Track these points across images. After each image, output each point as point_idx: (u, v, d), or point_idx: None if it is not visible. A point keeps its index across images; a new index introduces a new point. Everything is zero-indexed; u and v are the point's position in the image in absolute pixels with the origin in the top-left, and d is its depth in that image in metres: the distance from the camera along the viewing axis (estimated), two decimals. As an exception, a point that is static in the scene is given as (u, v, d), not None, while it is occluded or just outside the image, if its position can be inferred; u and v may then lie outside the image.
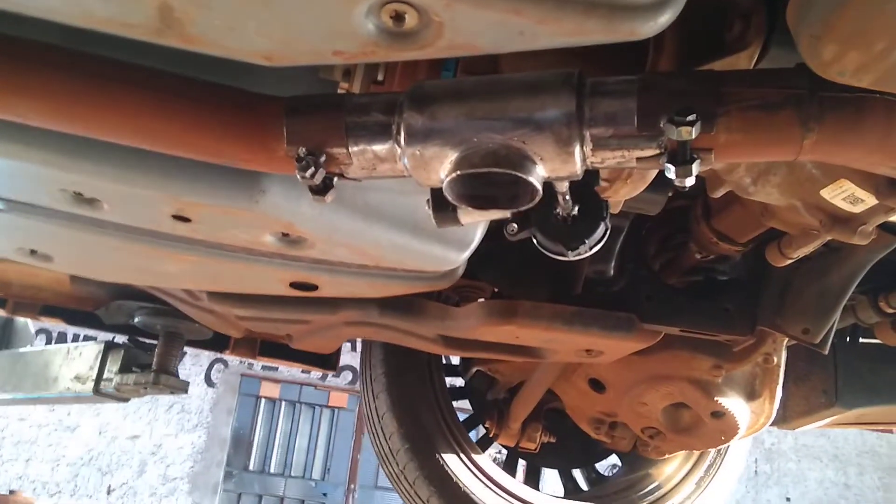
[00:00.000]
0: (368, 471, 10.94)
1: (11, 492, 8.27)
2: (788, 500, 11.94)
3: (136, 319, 1.83)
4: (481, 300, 1.42)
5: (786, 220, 1.17)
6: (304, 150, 0.86)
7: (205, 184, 1.07)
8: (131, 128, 0.88)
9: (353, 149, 0.86)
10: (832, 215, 1.05)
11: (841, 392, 1.94)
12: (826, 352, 1.45)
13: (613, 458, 2.26)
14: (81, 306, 1.87)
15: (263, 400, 10.92)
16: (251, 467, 10.79)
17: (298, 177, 0.86)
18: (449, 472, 1.78)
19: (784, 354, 1.59)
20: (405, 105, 0.83)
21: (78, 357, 1.92)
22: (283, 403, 11.00)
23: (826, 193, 1.02)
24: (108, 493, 9.83)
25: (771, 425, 2.07)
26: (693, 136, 0.75)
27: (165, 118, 0.85)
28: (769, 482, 11.92)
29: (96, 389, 1.84)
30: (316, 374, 10.60)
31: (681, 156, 0.77)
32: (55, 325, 8.84)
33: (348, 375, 10.75)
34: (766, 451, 11.89)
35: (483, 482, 1.81)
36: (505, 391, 2.02)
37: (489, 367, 1.96)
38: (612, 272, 1.44)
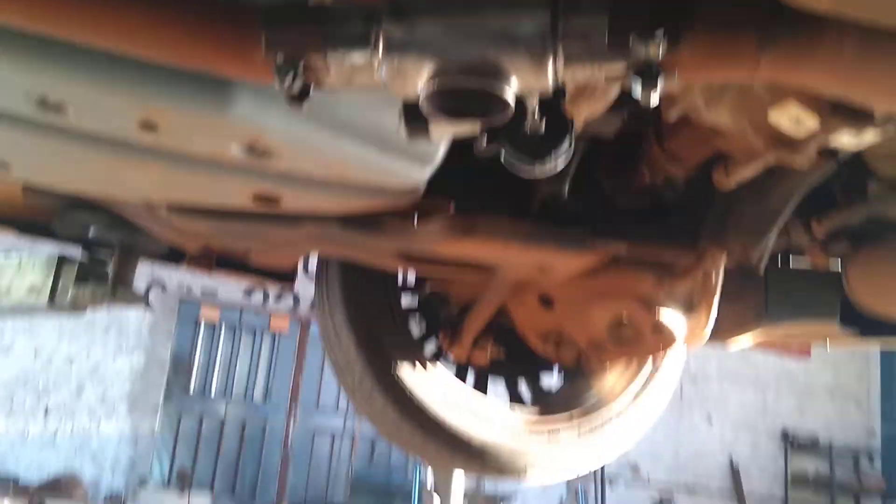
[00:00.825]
0: (310, 394, 11.10)
1: (-57, 412, 8.17)
2: (710, 420, 12.62)
3: (91, 232, 1.82)
4: (441, 217, 1.46)
5: (733, 142, 1.24)
6: (281, 57, 0.88)
7: (175, 90, 1.07)
8: (106, 28, 0.88)
9: (331, 58, 0.88)
10: (777, 138, 1.13)
11: (770, 310, 2.07)
12: (761, 271, 1.56)
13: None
14: (34, 217, 1.85)
15: (203, 323, 10.88)
16: (192, 390, 10.82)
17: (276, 84, 0.88)
18: (403, 382, 1.86)
19: (721, 273, 1.69)
20: (384, 15, 0.86)
21: (31, 269, 1.91)
22: (224, 327, 10.99)
23: (773, 115, 1.09)
24: (46, 413, 9.75)
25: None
26: (660, 53, 0.80)
27: (140, 19, 0.86)
28: (693, 404, 12.55)
29: (51, 301, 1.84)
30: (257, 299, 10.59)
31: (647, 73, 0.82)
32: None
33: (290, 301, 10.78)
34: (691, 376, 12.48)
35: (434, 390, 1.90)
36: (457, 309, 2.10)
37: (443, 284, 2.03)
38: (565, 193, 1.50)
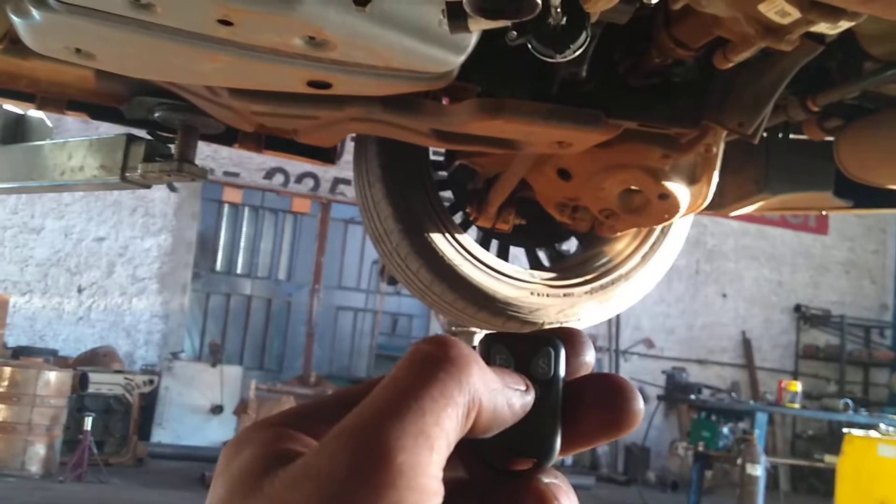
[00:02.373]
0: (331, 273, 11.51)
1: (-13, 291, 8.64)
2: (725, 295, 12.97)
3: (157, 114, 2.03)
4: (471, 98, 1.66)
5: (730, 30, 1.42)
6: None
7: (251, -9, 1.26)
8: None
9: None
10: (766, 25, 1.31)
11: (770, 181, 2.28)
12: (756, 141, 1.76)
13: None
14: (104, 102, 2.06)
15: (227, 205, 11.18)
16: (218, 268, 11.26)
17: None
18: (436, 247, 2.10)
19: (722, 146, 1.89)
20: None
21: (101, 148, 2.13)
22: (247, 209, 11.29)
23: (762, 7, 1.27)
24: (79, 291, 10.23)
25: (709, 210, 2.43)
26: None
27: None
28: (708, 280, 12.88)
29: (123, 177, 2.07)
30: (278, 179, 10.82)
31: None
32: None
33: (310, 182, 11.00)
34: (707, 252, 12.75)
35: (463, 255, 2.14)
36: (483, 182, 2.31)
37: (471, 160, 2.24)
38: (583, 74, 1.69)
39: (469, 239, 2.20)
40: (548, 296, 2.19)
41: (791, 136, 2.26)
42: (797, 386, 8.37)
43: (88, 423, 7.09)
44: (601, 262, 2.33)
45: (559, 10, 1.13)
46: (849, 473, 6.05)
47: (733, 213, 2.41)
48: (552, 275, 2.30)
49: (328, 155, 2.22)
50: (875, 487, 5.79)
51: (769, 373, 12.69)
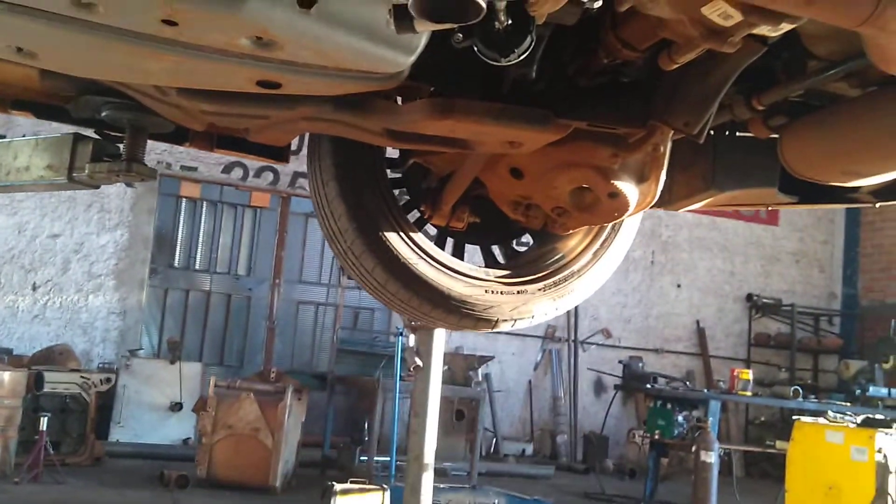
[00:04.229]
0: (292, 267, 11.42)
1: (-65, 290, 8.41)
2: (679, 286, 13.19)
3: (104, 113, 2.00)
4: (422, 99, 1.66)
5: (674, 31, 1.44)
6: None
7: (195, -9, 1.25)
8: None
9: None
10: (709, 28, 1.34)
11: (717, 178, 2.32)
12: (702, 141, 1.79)
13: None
14: (50, 101, 2.02)
15: (184, 200, 11.02)
16: (176, 264, 11.09)
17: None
18: (390, 246, 2.11)
19: (669, 145, 1.92)
20: None
21: (48, 148, 2.10)
22: (205, 203, 11.13)
23: (705, 10, 1.29)
24: (34, 289, 10.01)
25: (659, 207, 2.47)
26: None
27: None
28: (664, 271, 13.08)
29: (70, 177, 2.04)
30: (237, 174, 10.70)
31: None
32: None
33: (269, 176, 10.90)
34: (662, 244, 12.95)
35: (418, 254, 2.15)
36: (437, 180, 2.32)
37: (424, 158, 2.24)
38: (533, 75, 1.70)
39: (423, 237, 2.21)
40: (502, 293, 2.22)
41: (738, 133, 2.30)
42: (749, 374, 8.56)
43: (44, 423, 6.96)
44: (554, 259, 2.36)
45: (504, 14, 1.14)
46: (798, 459, 6.20)
47: (682, 209, 2.45)
48: (506, 272, 2.32)
49: (282, 153, 2.21)
50: (824, 473, 5.94)
51: (723, 361, 12.96)
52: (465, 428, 8.95)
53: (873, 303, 13.23)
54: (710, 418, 8.06)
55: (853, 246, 13.75)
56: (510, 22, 1.17)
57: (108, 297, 10.43)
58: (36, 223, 9.98)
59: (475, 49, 1.19)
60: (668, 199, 2.45)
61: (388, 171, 2.27)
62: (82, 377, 8.09)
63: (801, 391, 8.68)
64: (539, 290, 2.28)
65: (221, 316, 11.30)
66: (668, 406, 8.52)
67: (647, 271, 13.07)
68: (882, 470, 5.67)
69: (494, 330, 2.28)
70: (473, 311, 2.20)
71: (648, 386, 9.11)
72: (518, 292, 2.24)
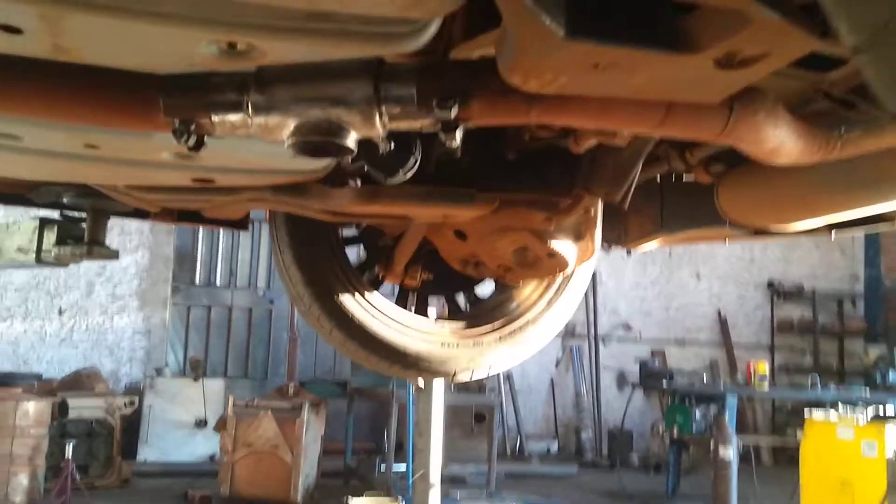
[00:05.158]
0: (310, 277, 11.56)
1: (-37, 320, 8.66)
2: (699, 276, 13.13)
3: (65, 199, 2.11)
4: (351, 186, 1.75)
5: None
6: (177, 121, 1.15)
7: (106, 131, 1.34)
8: (53, 111, 1.14)
9: (215, 119, 1.15)
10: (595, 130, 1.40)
11: (666, 220, 2.38)
12: (626, 206, 1.85)
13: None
14: (14, 190, 2.13)
15: (201, 218, 11.20)
16: (197, 281, 11.30)
17: (175, 140, 1.16)
18: (345, 309, 2.20)
19: (601, 206, 1.98)
20: (251, 86, 1.12)
21: (17, 231, 2.21)
22: (222, 220, 11.30)
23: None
24: (60, 313, 10.26)
25: (616, 246, 2.53)
26: (453, 116, 1.07)
27: (73, 104, 1.12)
28: (682, 263, 13.03)
29: (38, 259, 2.15)
30: (249, 190, 10.85)
31: (446, 125, 1.10)
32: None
33: (281, 189, 11.04)
34: (677, 237, 12.88)
35: (372, 314, 2.24)
36: (391, 239, 2.40)
37: (376, 221, 2.32)
38: (458, 154, 1.77)
39: (378, 296, 2.29)
40: (458, 346, 2.29)
41: (684, 178, 2.35)
42: (765, 367, 8.52)
43: (69, 450, 7.17)
44: (510, 308, 2.43)
45: (385, 141, 1.22)
46: (811, 455, 6.20)
47: (637, 249, 2.51)
48: (462, 323, 2.40)
49: (241, 223, 2.30)
50: (835, 469, 5.94)
51: (746, 349, 12.87)
52: (486, 430, 9.03)
53: (897, 282, 13.06)
54: (728, 413, 8.05)
55: (874, 227, 13.54)
56: (392, 146, 1.24)
57: (133, 318, 10.67)
58: (57, 249, 10.19)
59: (365, 169, 1.27)
60: (623, 240, 2.52)
61: (346, 229, 2.36)
62: (107, 401, 8.29)
63: (819, 380, 8.63)
64: (495, 340, 2.35)
65: (244, 330, 11.49)
66: (686, 402, 8.52)
67: (666, 263, 13.03)
68: (893, 465, 5.66)
69: (455, 380, 2.36)
70: (430, 365, 2.28)
71: (664, 383, 9.11)
72: (474, 344, 2.32)
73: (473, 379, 2.39)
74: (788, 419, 12.09)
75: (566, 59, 0.88)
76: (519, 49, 0.89)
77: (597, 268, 12.48)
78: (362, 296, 2.22)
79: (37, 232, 2.16)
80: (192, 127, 1.15)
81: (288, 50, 0.99)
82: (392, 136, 1.24)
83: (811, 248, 13.54)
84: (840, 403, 6.54)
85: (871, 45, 0.40)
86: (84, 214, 2.20)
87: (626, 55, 0.86)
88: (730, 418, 7.97)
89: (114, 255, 2.12)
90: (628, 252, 2.50)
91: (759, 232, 2.54)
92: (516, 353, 2.41)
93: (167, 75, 1.14)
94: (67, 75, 1.12)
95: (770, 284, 13.27)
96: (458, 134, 1.10)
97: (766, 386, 8.42)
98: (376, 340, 2.21)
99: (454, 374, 2.31)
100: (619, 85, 0.98)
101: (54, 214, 2.24)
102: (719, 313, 13.09)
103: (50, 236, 2.15)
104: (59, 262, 2.16)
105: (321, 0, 0.83)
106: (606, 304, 12.61)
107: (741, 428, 9.97)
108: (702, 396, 8.50)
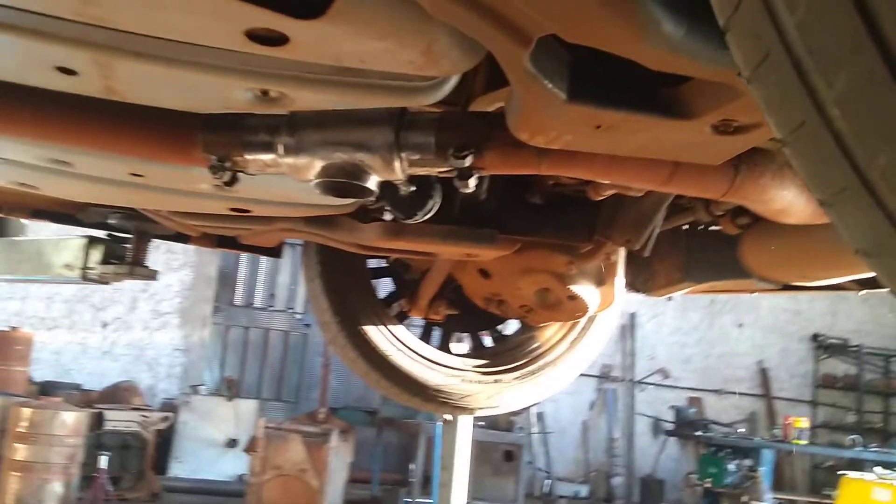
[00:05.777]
0: (347, 304, 11.67)
1: (12, 328, 8.95)
2: (741, 325, 12.90)
3: (111, 220, 2.23)
4: (378, 222, 1.83)
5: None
6: (214, 157, 1.24)
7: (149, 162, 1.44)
8: (101, 143, 1.25)
9: (248, 158, 1.24)
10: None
11: (690, 270, 2.40)
12: (647, 254, 1.89)
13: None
14: (64, 210, 2.26)
15: (245, 241, 11.41)
16: (237, 302, 11.50)
17: (211, 176, 1.25)
18: (370, 339, 2.27)
19: (623, 253, 2.02)
20: (283, 129, 1.21)
21: (66, 248, 2.33)
22: (265, 243, 11.50)
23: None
24: (104, 326, 10.52)
25: (640, 292, 2.56)
26: (467, 164, 1.14)
27: (120, 137, 1.22)
28: (724, 310, 12.82)
29: (83, 276, 2.27)
30: (293, 216, 11.04)
31: (462, 173, 1.17)
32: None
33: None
34: (718, 284, 12.70)
35: (396, 346, 2.30)
36: (418, 273, 2.47)
37: (404, 255, 2.40)
38: (484, 195, 1.84)
39: (403, 329, 2.36)
40: (478, 382, 2.34)
41: (711, 228, 2.38)
42: (802, 422, 8.36)
43: (103, 462, 7.32)
44: (531, 348, 2.47)
45: (405, 184, 1.29)
46: (845, 517, 6.05)
47: (663, 297, 2.53)
48: (484, 361, 2.45)
49: (275, 251, 2.40)
50: (869, 532, 5.79)
51: (787, 403, 12.56)
52: (515, 469, 8.97)
53: (946, 344, 12.67)
54: (762, 468, 7.91)
55: (925, 284, 13.19)
56: (413, 189, 1.31)
57: (173, 335, 10.88)
58: (106, 264, 10.46)
59: (386, 209, 1.34)
60: (649, 287, 2.54)
61: (376, 261, 2.44)
62: (142, 416, 8.46)
63: (859, 440, 8.43)
64: (515, 378, 2.39)
65: (280, 352, 11.63)
66: (720, 454, 8.39)
67: (707, 310, 12.84)
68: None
69: (473, 415, 2.40)
70: (450, 399, 2.33)
71: (698, 433, 8.97)
72: (494, 381, 2.36)
73: (492, 415, 2.43)
74: (828, 478, 11.77)
75: (569, 119, 0.95)
76: (525, 109, 0.96)
77: (636, 311, 12.41)
78: (387, 328, 2.29)
79: (83, 250, 2.28)
80: (228, 164, 1.23)
81: (316, 99, 1.08)
82: (413, 179, 1.31)
83: (859, 303, 13.20)
84: (877, 469, 6.40)
85: (793, 141, 0.45)
86: (128, 235, 2.31)
87: (625, 119, 0.93)
88: (765, 473, 7.82)
89: (153, 275, 2.22)
90: (669, 297, 2.52)
91: (788, 286, 2.54)
92: (536, 392, 2.45)
93: (206, 115, 1.24)
94: (115, 112, 1.22)
95: (815, 337, 12.95)
96: (472, 181, 1.16)
97: (804, 441, 8.25)
98: (398, 372, 2.28)
99: (472, 410, 2.36)
100: (623, 144, 1.04)
101: (101, 234, 2.36)
102: (760, 364, 12.81)
103: (95, 255, 2.27)
104: (103, 281, 2.27)
105: (344, 58, 0.91)
106: (644, 348, 12.45)
107: (778, 484, 9.74)
108: (737, 449, 8.35)
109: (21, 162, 1.57)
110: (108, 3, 0.79)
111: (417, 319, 2.60)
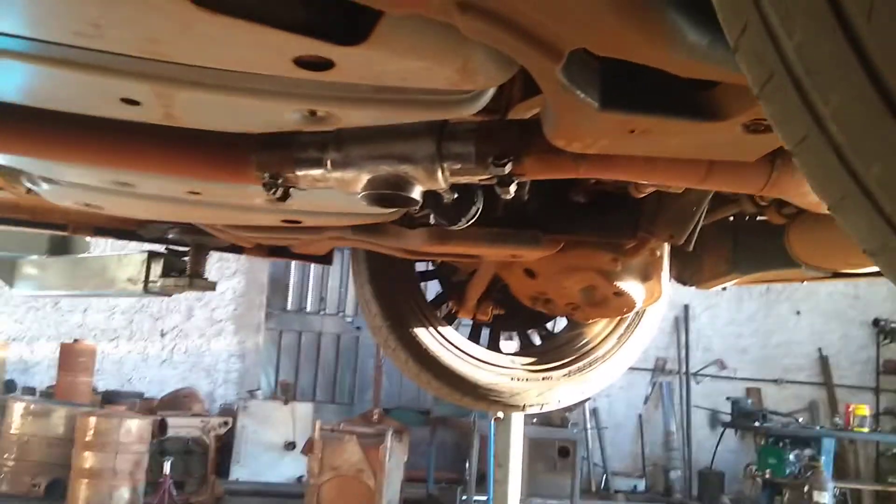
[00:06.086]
0: (398, 306, 11.77)
1: (76, 340, 9.26)
2: (798, 312, 12.63)
3: (170, 235, 2.32)
4: (424, 227, 1.89)
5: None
6: (267, 175, 1.31)
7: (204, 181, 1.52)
8: (161, 166, 1.33)
9: (299, 174, 1.30)
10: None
11: (737, 261, 2.40)
12: (690, 248, 1.91)
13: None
14: (126, 226, 2.36)
15: (295, 246, 11.59)
16: (289, 307, 11.69)
17: (265, 192, 1.32)
18: (420, 341, 2.33)
19: (667, 248, 2.04)
20: (331, 146, 1.27)
21: (128, 263, 2.45)
22: (314, 248, 11.67)
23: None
24: (162, 335, 10.80)
25: (690, 285, 2.57)
26: (507, 172, 1.19)
27: (179, 161, 1.30)
28: (780, 298, 12.56)
29: (145, 289, 2.37)
30: (341, 221, 11.19)
31: (502, 180, 1.21)
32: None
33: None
34: (773, 271, 12.45)
35: (446, 347, 2.36)
36: (465, 275, 2.53)
37: (450, 258, 2.45)
38: (526, 196, 1.88)
39: (452, 330, 2.41)
40: (528, 380, 2.38)
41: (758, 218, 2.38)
42: (865, 409, 8.18)
43: (167, 467, 7.54)
44: (580, 345, 2.50)
45: (448, 192, 1.34)
46: (910, 506, 5.91)
47: (712, 289, 2.53)
48: (532, 359, 2.49)
49: (326, 258, 2.47)
50: (937, 521, 5.64)
51: (848, 390, 12.25)
52: (570, 465, 8.96)
53: None
54: (823, 457, 7.77)
55: None
56: (456, 196, 1.36)
57: (228, 341, 11.12)
58: (162, 275, 10.74)
59: (431, 217, 1.40)
60: (698, 279, 2.55)
61: (423, 264, 2.50)
62: (203, 421, 8.67)
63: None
64: (564, 375, 2.43)
65: (332, 355, 11.79)
66: (780, 444, 8.26)
67: (763, 298, 12.59)
68: None
69: (523, 412, 2.44)
70: (500, 397, 2.38)
71: (757, 423, 8.85)
72: (543, 378, 2.40)
73: (544, 412, 2.47)
74: (892, 466, 11.48)
75: (603, 126, 0.98)
76: (559, 118, 1.00)
77: (690, 303, 12.25)
78: (436, 329, 2.35)
79: (145, 264, 2.38)
80: (280, 181, 1.30)
81: (360, 116, 1.14)
82: (455, 186, 1.36)
83: (920, 286, 12.81)
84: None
85: (799, 152, 0.49)
86: (186, 248, 2.41)
87: (658, 123, 0.96)
88: (826, 462, 7.68)
89: (211, 286, 2.31)
90: (723, 287, 2.52)
91: (838, 274, 2.53)
92: (585, 388, 2.48)
93: (259, 135, 1.31)
94: (174, 137, 1.30)
95: (876, 322, 12.60)
96: (513, 188, 1.21)
97: (865, 429, 8.08)
98: (449, 372, 2.33)
99: (523, 407, 2.40)
100: (658, 146, 1.07)
101: (160, 248, 2.46)
102: (820, 352, 12.52)
103: (156, 268, 2.37)
104: (164, 293, 2.37)
105: (385, 78, 0.97)
106: (700, 340, 12.28)
107: (840, 473, 9.55)
108: (797, 438, 8.21)
109: (88, 185, 1.66)
110: (171, 41, 0.86)
111: (466, 320, 2.65)
